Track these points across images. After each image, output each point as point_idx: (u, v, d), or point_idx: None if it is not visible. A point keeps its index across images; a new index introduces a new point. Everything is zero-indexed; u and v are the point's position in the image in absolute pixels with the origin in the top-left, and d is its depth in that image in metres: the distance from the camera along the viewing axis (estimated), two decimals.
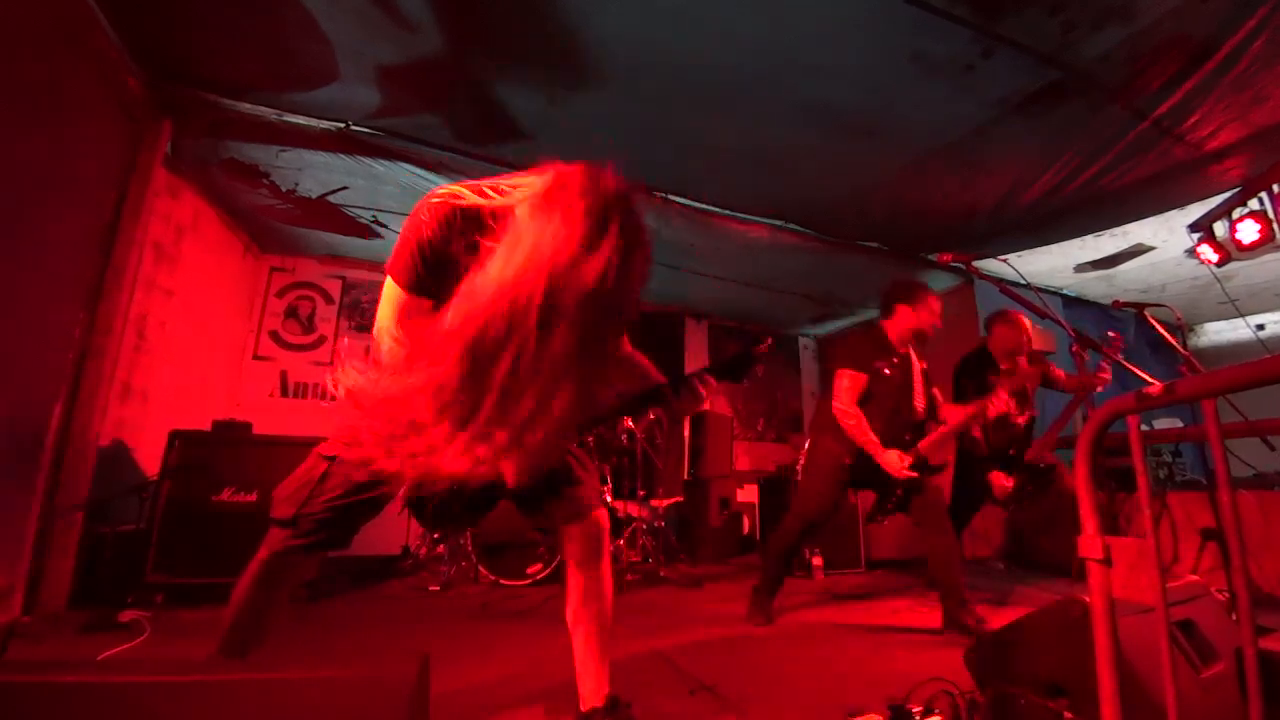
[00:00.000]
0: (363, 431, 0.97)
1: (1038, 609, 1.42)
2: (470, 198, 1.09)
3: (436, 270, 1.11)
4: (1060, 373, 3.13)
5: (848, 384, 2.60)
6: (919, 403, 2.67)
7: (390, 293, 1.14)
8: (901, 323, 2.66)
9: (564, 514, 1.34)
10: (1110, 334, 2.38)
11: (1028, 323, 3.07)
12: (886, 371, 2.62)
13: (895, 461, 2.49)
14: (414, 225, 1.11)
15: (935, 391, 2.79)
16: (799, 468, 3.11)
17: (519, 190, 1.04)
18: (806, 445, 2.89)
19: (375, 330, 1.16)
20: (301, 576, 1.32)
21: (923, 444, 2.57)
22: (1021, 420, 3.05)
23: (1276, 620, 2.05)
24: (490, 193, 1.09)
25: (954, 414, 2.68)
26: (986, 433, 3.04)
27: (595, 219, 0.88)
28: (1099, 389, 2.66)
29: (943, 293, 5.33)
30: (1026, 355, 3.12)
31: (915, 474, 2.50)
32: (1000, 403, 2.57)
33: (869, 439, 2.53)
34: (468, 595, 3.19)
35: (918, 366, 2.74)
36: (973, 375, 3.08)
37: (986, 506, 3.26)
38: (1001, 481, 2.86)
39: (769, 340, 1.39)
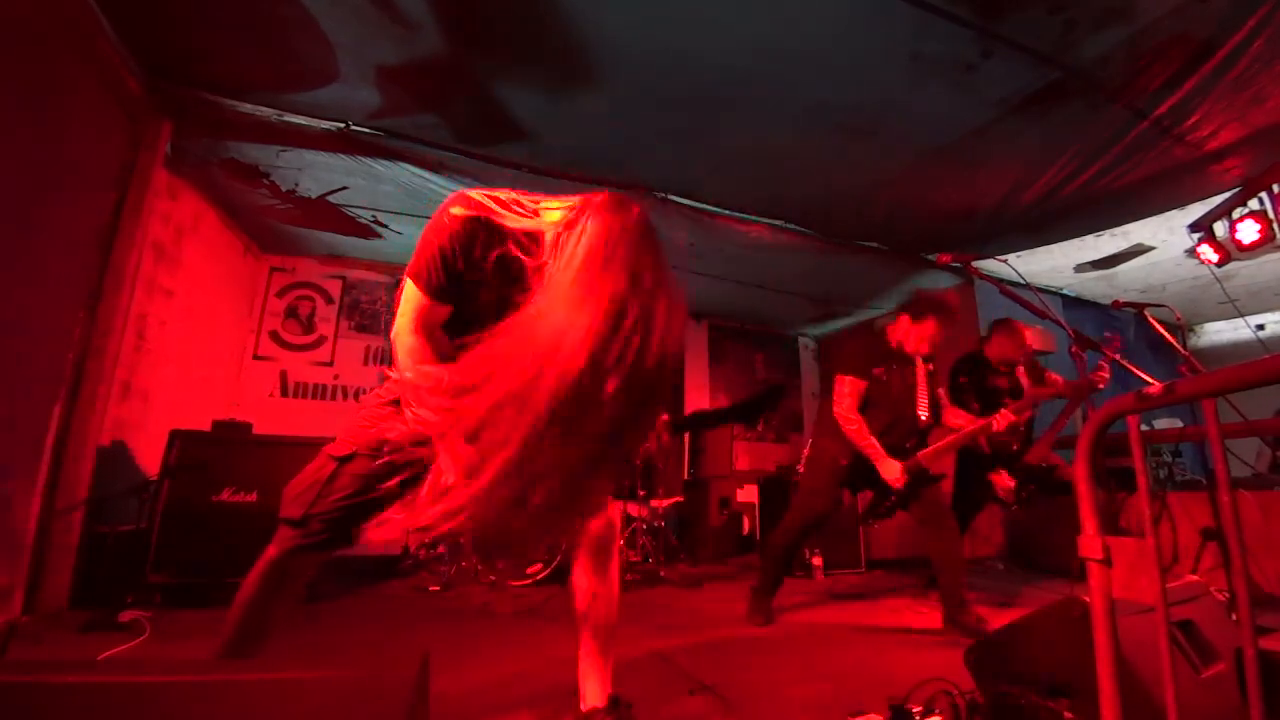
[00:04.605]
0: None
1: (1038, 609, 1.42)
2: (497, 211, 1.07)
3: (456, 279, 1.10)
4: (1056, 377, 3.12)
5: (848, 390, 2.62)
6: (922, 411, 2.64)
7: (410, 295, 1.13)
8: (896, 332, 2.69)
9: None
10: (1107, 334, 2.37)
11: (1028, 333, 3.11)
12: (885, 378, 2.63)
13: (893, 471, 2.50)
14: (436, 229, 1.08)
15: (940, 392, 2.77)
16: (799, 468, 3.11)
17: (549, 214, 1.05)
18: (808, 446, 2.90)
19: (394, 332, 1.16)
20: (309, 576, 1.31)
21: (923, 454, 2.56)
22: (1020, 419, 3.05)
23: (1276, 620, 2.05)
24: (518, 209, 1.08)
25: (957, 419, 2.67)
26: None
27: (633, 299, 0.84)
28: (1100, 386, 2.65)
29: None
30: (1025, 364, 3.14)
31: (909, 484, 2.50)
32: (1005, 420, 2.53)
33: (870, 444, 2.53)
34: (468, 595, 3.19)
35: (922, 370, 2.70)
36: (969, 376, 3.08)
37: (988, 506, 3.26)
38: (1004, 482, 2.86)
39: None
